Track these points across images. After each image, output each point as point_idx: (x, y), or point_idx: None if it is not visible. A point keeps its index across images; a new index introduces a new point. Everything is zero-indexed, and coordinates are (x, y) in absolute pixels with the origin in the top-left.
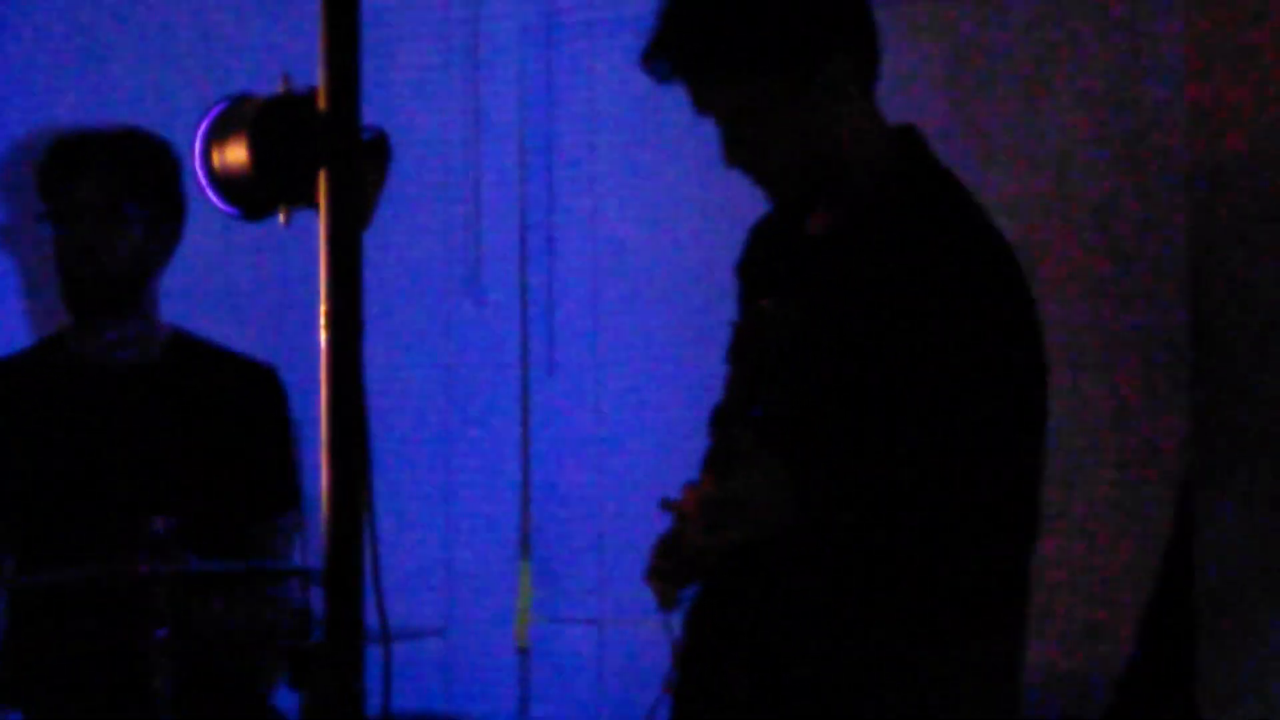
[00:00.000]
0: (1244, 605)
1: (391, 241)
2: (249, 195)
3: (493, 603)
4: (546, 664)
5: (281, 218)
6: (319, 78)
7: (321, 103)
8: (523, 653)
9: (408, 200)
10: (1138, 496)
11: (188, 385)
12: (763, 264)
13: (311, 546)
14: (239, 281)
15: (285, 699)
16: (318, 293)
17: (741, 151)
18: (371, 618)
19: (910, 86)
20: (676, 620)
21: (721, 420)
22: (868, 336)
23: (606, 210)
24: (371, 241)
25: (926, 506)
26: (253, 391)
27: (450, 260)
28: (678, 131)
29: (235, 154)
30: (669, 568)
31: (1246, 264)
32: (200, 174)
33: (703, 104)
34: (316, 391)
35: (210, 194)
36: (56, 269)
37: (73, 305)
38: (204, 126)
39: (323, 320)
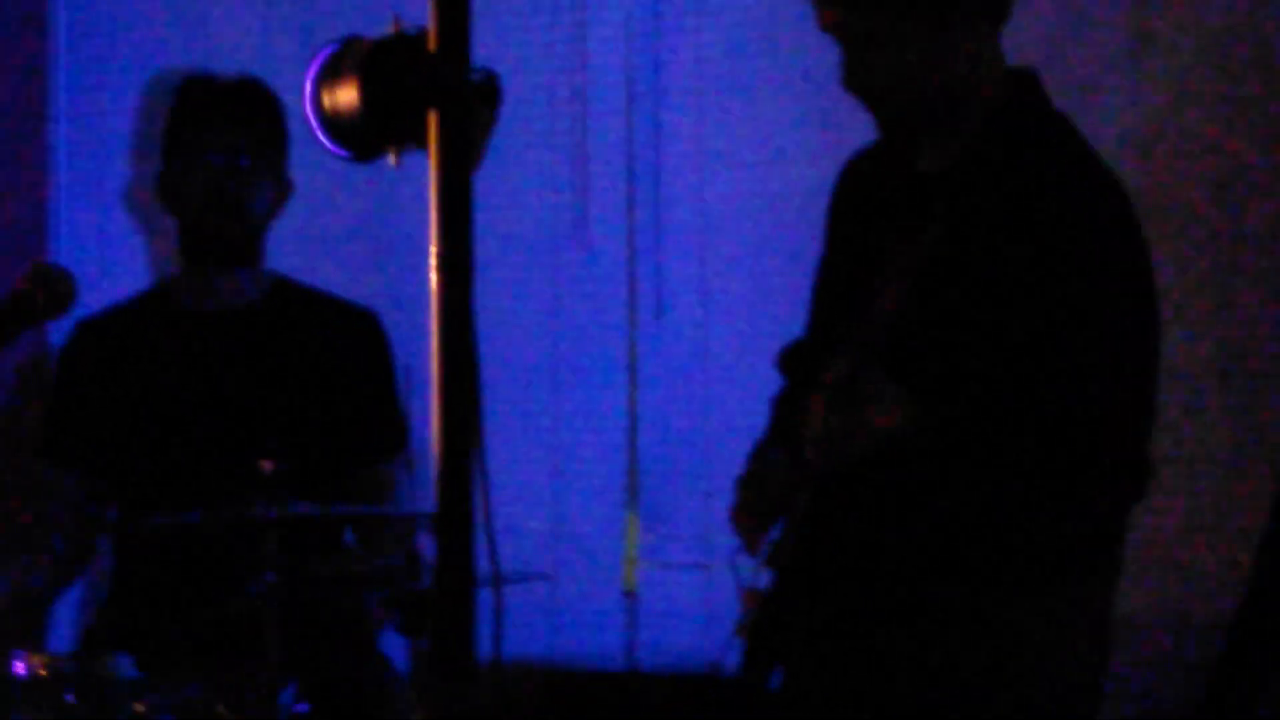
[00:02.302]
0: None
1: (498, 187)
2: (359, 137)
3: (600, 548)
4: (654, 609)
5: (392, 159)
6: (429, 18)
7: (432, 43)
8: (630, 597)
9: (514, 145)
10: (1252, 434)
11: (290, 331)
12: (867, 201)
13: (423, 491)
14: (343, 225)
15: (394, 645)
16: (425, 236)
17: (865, 77)
18: (482, 562)
19: (1012, 38)
20: (744, 563)
21: (808, 356)
22: (984, 273)
23: (714, 154)
24: (478, 186)
25: (1031, 445)
26: (355, 336)
27: (557, 205)
28: (785, 75)
29: (346, 96)
30: (755, 502)
31: None
32: (311, 116)
33: (834, 25)
34: (423, 335)
35: (320, 136)
36: (189, 217)
37: (201, 255)
38: (314, 69)
39: (433, 263)
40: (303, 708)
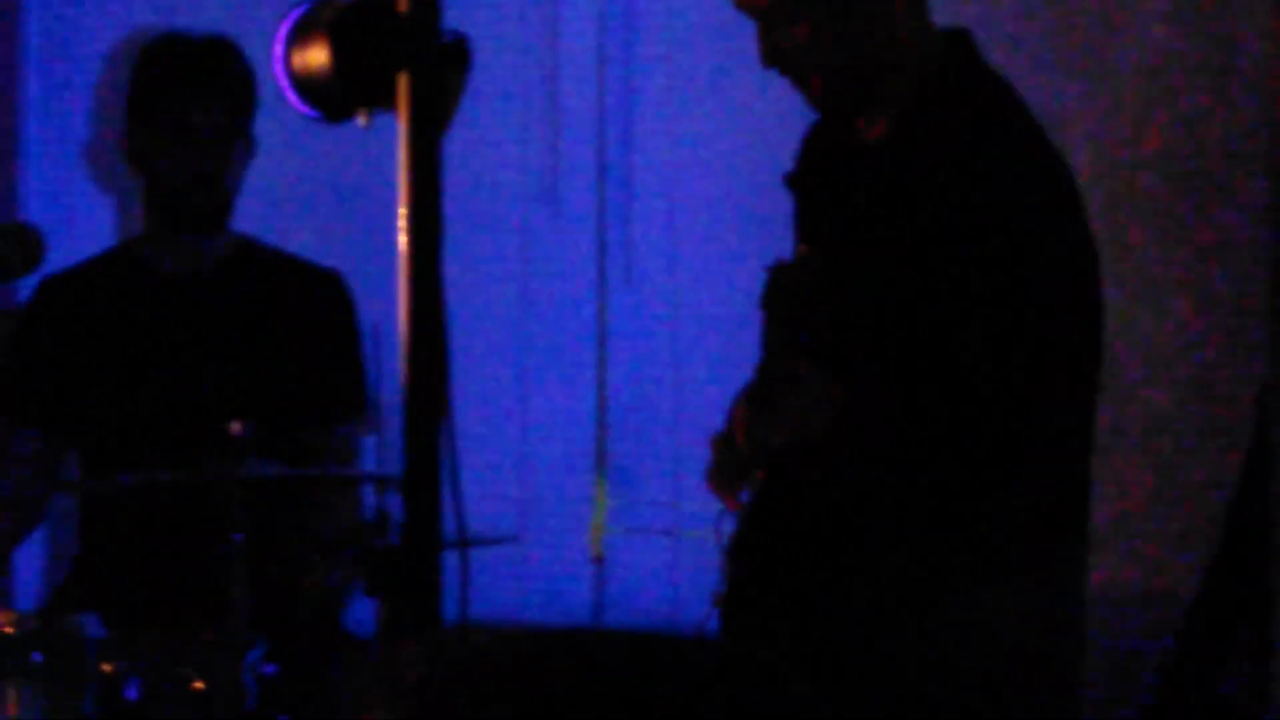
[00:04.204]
0: None
1: (468, 149)
2: (329, 98)
3: (568, 512)
4: (620, 574)
5: (361, 120)
6: None
7: (402, 5)
8: (597, 562)
9: (485, 108)
10: (1209, 408)
11: (255, 292)
12: (817, 174)
13: (391, 452)
14: (312, 186)
15: (363, 605)
16: (394, 198)
17: (787, 54)
18: (449, 524)
19: None
20: (727, 528)
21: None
22: (922, 248)
23: (685, 119)
24: (448, 149)
25: (977, 425)
26: (319, 297)
27: (527, 169)
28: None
29: (316, 56)
30: (726, 465)
31: None
32: (281, 76)
33: (749, 2)
34: (392, 298)
35: (291, 96)
36: (156, 185)
37: (172, 224)
38: (285, 28)
39: (401, 225)
40: (271, 669)
